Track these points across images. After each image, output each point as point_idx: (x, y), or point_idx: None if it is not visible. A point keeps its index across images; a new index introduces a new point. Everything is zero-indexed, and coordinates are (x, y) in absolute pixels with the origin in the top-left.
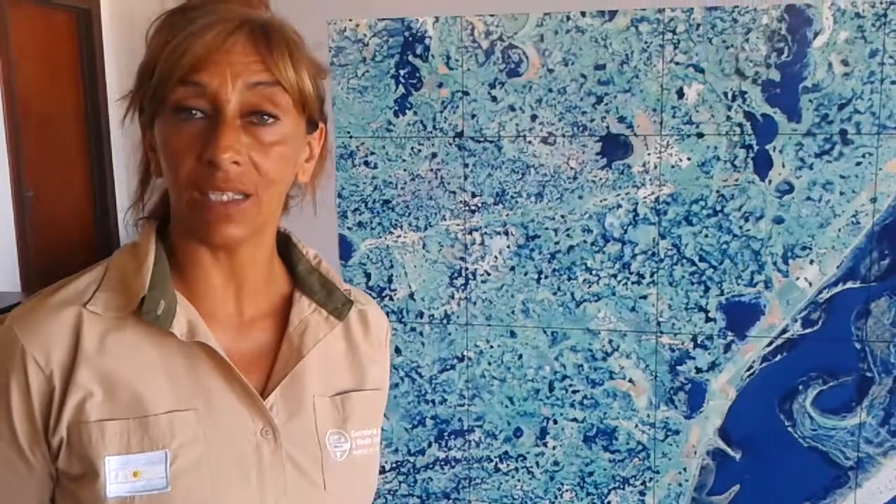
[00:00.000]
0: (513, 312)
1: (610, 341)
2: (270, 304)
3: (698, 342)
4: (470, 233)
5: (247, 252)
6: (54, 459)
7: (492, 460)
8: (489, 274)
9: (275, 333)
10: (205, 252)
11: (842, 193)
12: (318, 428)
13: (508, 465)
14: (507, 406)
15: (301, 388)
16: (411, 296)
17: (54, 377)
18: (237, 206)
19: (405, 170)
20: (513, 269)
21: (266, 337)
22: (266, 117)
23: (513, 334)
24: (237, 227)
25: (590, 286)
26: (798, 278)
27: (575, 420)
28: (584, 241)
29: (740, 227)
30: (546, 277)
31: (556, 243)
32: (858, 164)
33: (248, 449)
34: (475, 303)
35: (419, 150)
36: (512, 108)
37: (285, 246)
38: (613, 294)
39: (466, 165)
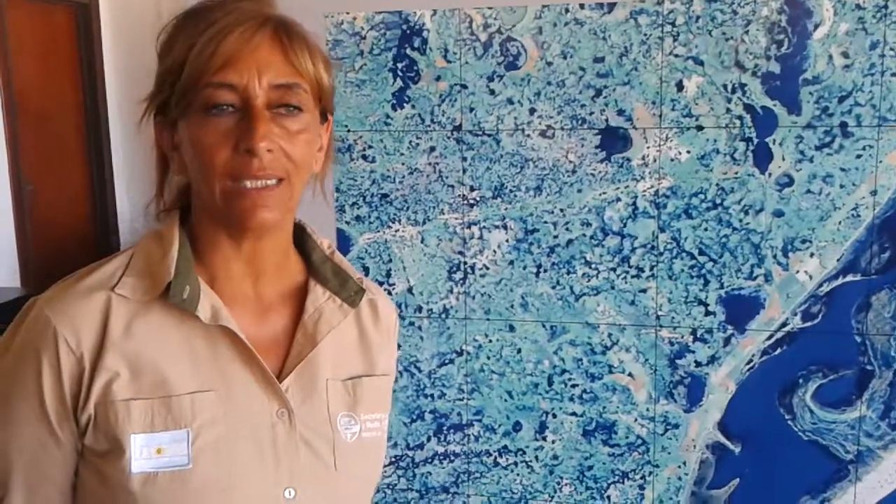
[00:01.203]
0: (512, 306)
1: (609, 335)
2: (287, 291)
3: (698, 336)
4: (468, 227)
5: (269, 239)
6: (81, 436)
7: (491, 454)
8: (488, 268)
9: (290, 320)
10: (227, 240)
11: (842, 186)
12: (331, 410)
13: (507, 459)
14: (506, 400)
15: (315, 372)
16: (410, 290)
17: (84, 359)
18: (271, 192)
19: (403, 164)
20: (512, 263)
21: (282, 323)
22: (292, 108)
23: (512, 328)
24: (271, 212)
25: (589, 280)
26: (798, 271)
27: (574, 414)
28: (584, 235)
29: (740, 221)
30: (545, 271)
31: (555, 237)
32: (859, 156)
33: (264, 429)
34: (474, 297)
35: (417, 144)
36: (510, 102)
37: (300, 236)
38: (613, 288)
39: (465, 159)
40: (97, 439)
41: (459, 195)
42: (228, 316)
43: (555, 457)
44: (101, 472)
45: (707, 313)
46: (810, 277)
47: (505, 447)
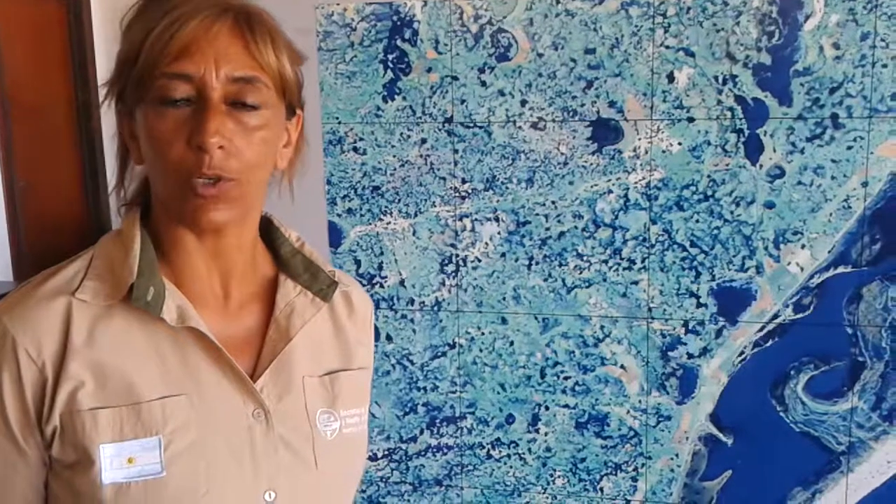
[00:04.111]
0: (504, 299)
1: (601, 327)
2: (256, 288)
3: (690, 328)
4: (460, 219)
5: (232, 236)
6: (48, 447)
7: (484, 447)
8: (480, 260)
9: (261, 317)
10: (190, 237)
11: (833, 178)
12: (309, 408)
13: (500, 451)
14: (498, 393)
15: (290, 369)
16: (402, 283)
17: (46, 368)
18: (220, 191)
19: (394, 156)
20: (503, 255)
21: (253, 320)
22: (250, 104)
23: (504, 321)
24: (222, 212)
25: (581, 272)
26: (789, 263)
27: (567, 406)
28: (575, 227)
29: (731, 212)
30: (537, 264)
31: (547, 229)
32: (850, 148)
33: (240, 431)
34: (466, 289)
35: (408, 136)
36: (501, 93)
37: (266, 229)
38: (604, 280)
39: (456, 151)
40: (65, 451)
41: (451, 187)
42: (196, 316)
43: (548, 449)
44: (72, 484)
45: (699, 305)
46: (802, 269)
47: (498, 439)
